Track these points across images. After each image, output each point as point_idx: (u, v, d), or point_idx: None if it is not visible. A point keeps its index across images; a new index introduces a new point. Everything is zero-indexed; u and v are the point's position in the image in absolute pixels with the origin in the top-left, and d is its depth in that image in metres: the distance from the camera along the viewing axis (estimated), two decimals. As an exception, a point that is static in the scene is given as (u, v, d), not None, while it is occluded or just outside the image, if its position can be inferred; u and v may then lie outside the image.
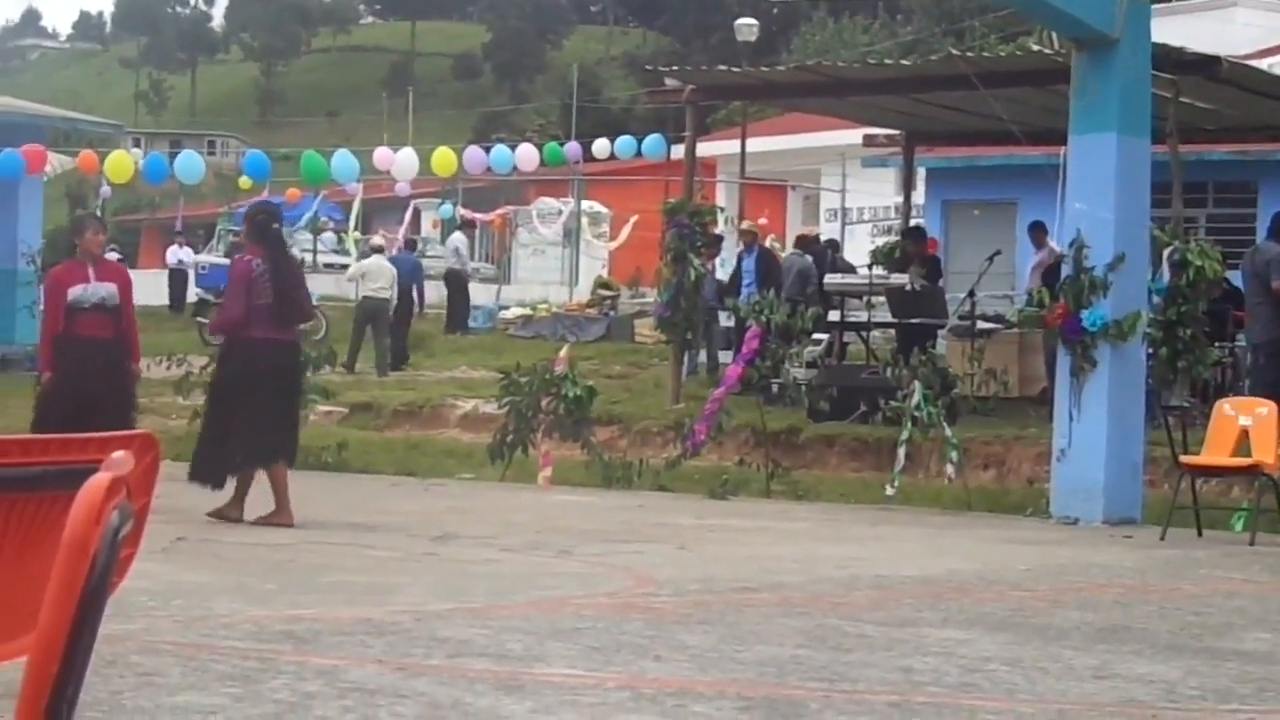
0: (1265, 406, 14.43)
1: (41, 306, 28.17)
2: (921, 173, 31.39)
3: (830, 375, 20.89)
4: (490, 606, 8.82)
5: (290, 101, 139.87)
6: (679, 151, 25.41)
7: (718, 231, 26.72)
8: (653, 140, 29.83)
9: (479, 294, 38.10)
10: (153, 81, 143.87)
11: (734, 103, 38.04)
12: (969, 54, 21.30)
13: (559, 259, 44.97)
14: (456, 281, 34.83)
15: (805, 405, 19.48)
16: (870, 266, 23.42)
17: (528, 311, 34.90)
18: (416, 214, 44.57)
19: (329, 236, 48.86)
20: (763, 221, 29.30)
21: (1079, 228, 15.66)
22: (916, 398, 16.63)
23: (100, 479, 2.43)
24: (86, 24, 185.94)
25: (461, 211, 42.07)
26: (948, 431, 16.71)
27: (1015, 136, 20.18)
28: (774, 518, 15.23)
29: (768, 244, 26.22)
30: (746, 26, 44.45)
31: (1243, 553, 13.28)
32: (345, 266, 36.46)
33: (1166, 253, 17.85)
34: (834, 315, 22.49)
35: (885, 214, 40.65)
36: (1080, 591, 10.48)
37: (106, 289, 13.34)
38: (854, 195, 41.99)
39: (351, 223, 38.52)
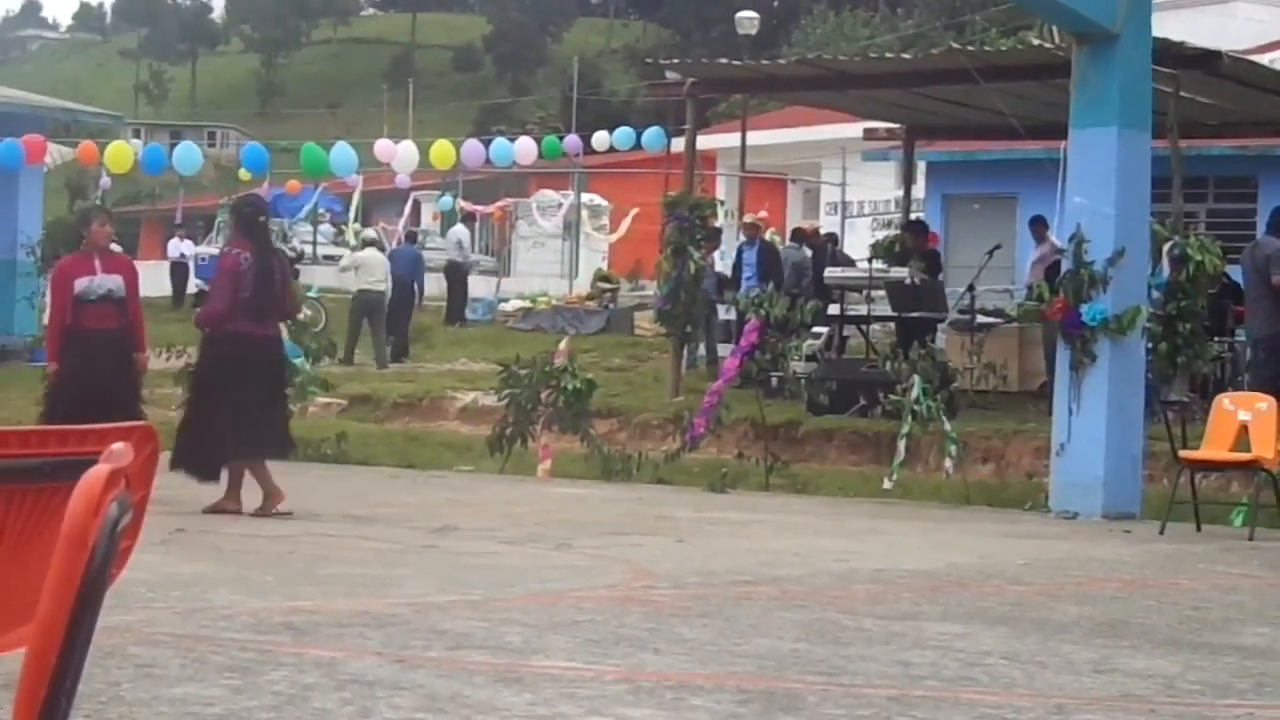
0: (1265, 401, 14.43)
1: (44, 297, 28.28)
2: (922, 166, 31.38)
3: (830, 369, 20.88)
4: (489, 599, 8.82)
5: (291, 93, 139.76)
6: (679, 144, 25.42)
7: (717, 224, 26.71)
8: (653, 133, 29.84)
9: (478, 286, 38.08)
10: (153, 73, 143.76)
11: (734, 96, 38.00)
12: (970, 48, 21.29)
13: (559, 251, 44.94)
14: (456, 274, 34.81)
15: (804, 399, 19.49)
16: (870, 260, 23.41)
17: (527, 304, 34.89)
18: (416, 206, 44.51)
19: (327, 228, 48.83)
20: (763, 214, 29.25)
21: (1079, 222, 15.65)
22: (916, 391, 16.64)
23: (99, 471, 2.43)
24: (87, 15, 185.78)
25: (461, 204, 42.04)
26: (947, 425, 16.72)
27: (1016, 130, 20.17)
28: (773, 511, 15.23)
29: (767, 237, 26.19)
30: (747, 19, 44.50)
31: (1242, 548, 13.28)
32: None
33: (1166, 247, 17.86)
34: (834, 309, 22.48)
35: (885, 208, 40.65)
36: (1079, 586, 10.48)
37: (113, 281, 13.36)
38: (854, 189, 41.98)
39: (351, 215, 38.46)
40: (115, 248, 14.56)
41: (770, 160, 41.64)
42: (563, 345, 19.27)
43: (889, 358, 17.98)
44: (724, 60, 25.58)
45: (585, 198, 44.25)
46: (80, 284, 13.28)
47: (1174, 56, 17.80)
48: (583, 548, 11.60)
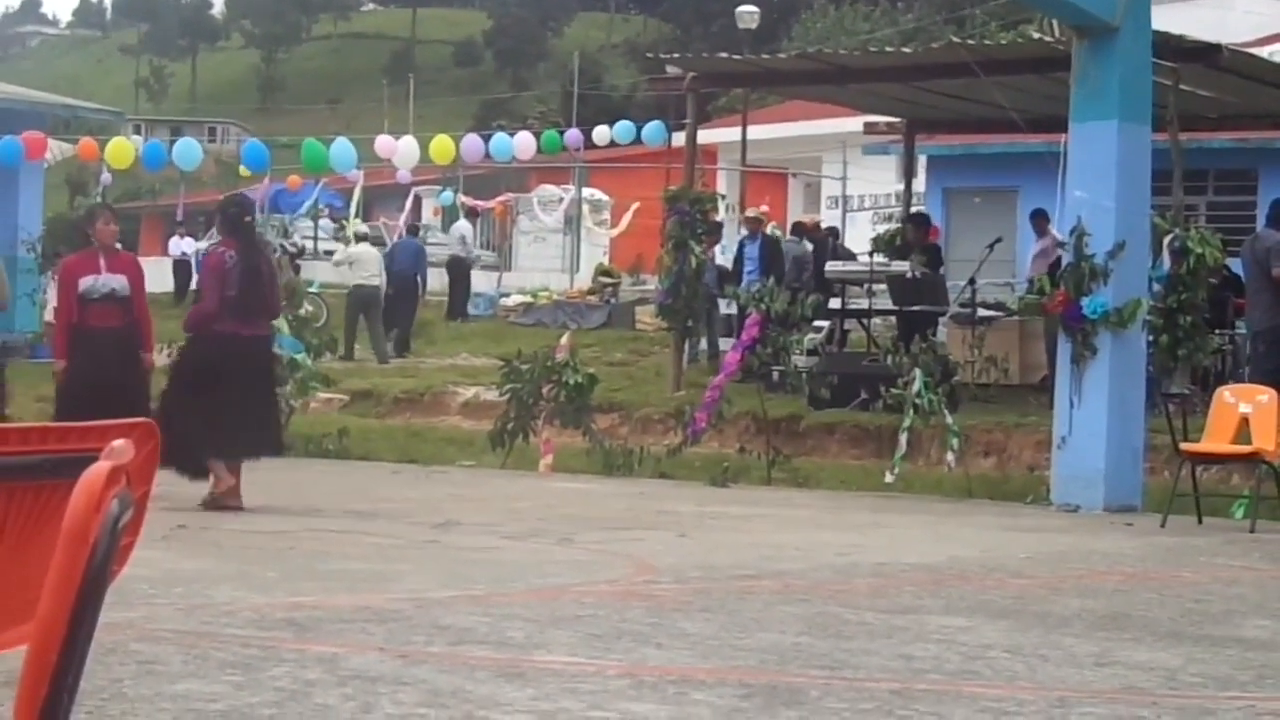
0: (1265, 394, 14.44)
1: (44, 294, 28.27)
2: (922, 160, 31.36)
3: (831, 363, 20.89)
4: (491, 594, 8.82)
5: (291, 89, 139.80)
6: (680, 139, 25.42)
7: (718, 219, 26.71)
8: (654, 127, 29.79)
9: (479, 281, 38.07)
10: (153, 68, 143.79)
11: (735, 90, 38.01)
12: (970, 42, 21.27)
13: (560, 246, 44.91)
14: (459, 269, 34.81)
15: (806, 393, 19.49)
16: (871, 254, 23.41)
17: (529, 299, 34.88)
18: (418, 201, 44.48)
19: (327, 223, 48.80)
20: (764, 209, 29.23)
21: (1080, 215, 15.66)
22: (917, 385, 16.64)
23: (100, 467, 2.43)
24: (87, 11, 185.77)
25: (463, 199, 42.03)
26: (948, 419, 16.72)
27: (1016, 124, 20.18)
28: (775, 505, 15.23)
29: (768, 231, 26.19)
30: (748, 14, 44.42)
31: (1243, 540, 13.28)
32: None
33: (1167, 240, 17.86)
34: (835, 303, 22.48)
35: (886, 201, 40.62)
36: (1081, 579, 10.48)
37: (117, 280, 13.35)
38: (855, 183, 41.96)
39: (352, 210, 38.44)
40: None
41: (771, 154, 41.65)
42: (564, 340, 19.28)
43: (890, 351, 17.98)
44: (724, 55, 25.58)
45: (586, 192, 44.23)
46: (84, 283, 13.29)
47: (1174, 50, 17.80)
48: (584, 542, 11.60)
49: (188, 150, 29.46)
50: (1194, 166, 22.91)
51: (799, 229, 27.11)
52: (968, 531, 13.29)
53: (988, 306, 22.58)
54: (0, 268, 16.23)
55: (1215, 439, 14.28)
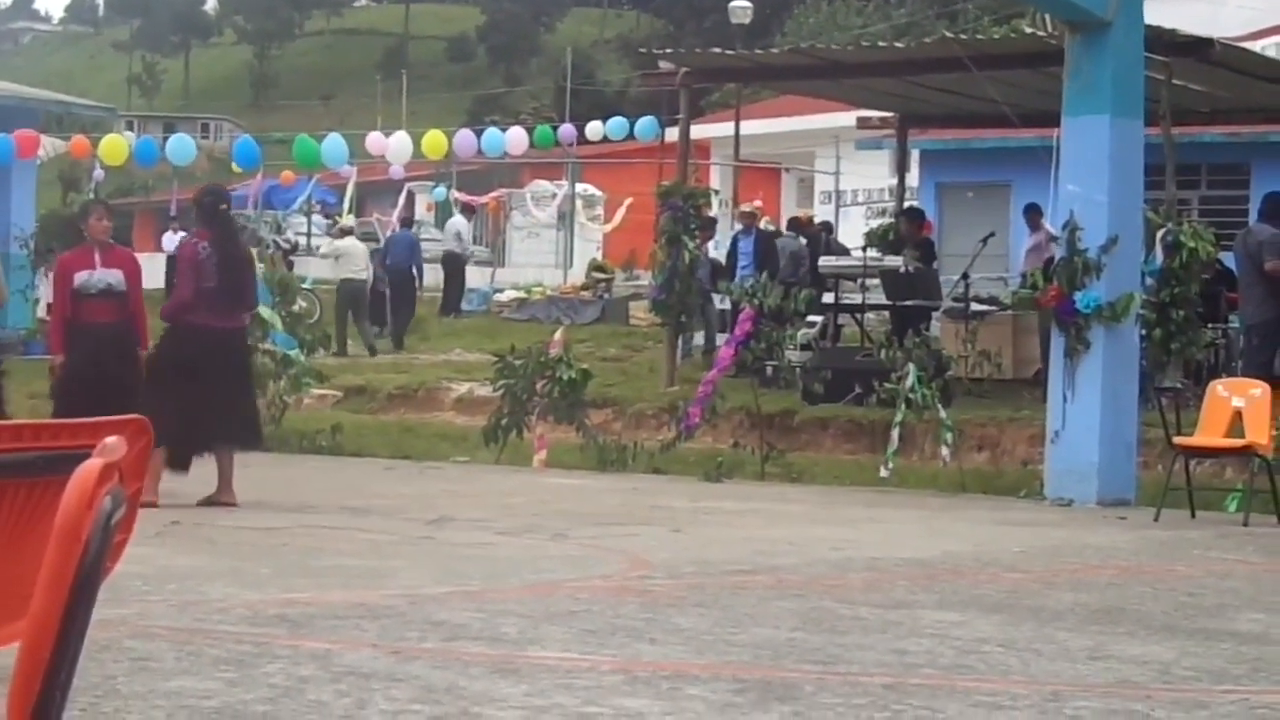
0: (1258, 387, 14.45)
1: (37, 290, 28.25)
2: (915, 155, 31.40)
3: (825, 357, 20.90)
4: (485, 590, 8.82)
5: (284, 85, 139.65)
6: (673, 134, 25.39)
7: (711, 214, 26.70)
8: (646, 122, 29.78)
9: (473, 277, 38.10)
10: (146, 65, 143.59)
11: (728, 85, 37.98)
12: (962, 36, 21.31)
13: (553, 242, 44.96)
14: (454, 264, 34.82)
15: (800, 388, 19.50)
16: (864, 249, 23.42)
17: (522, 294, 34.89)
18: (411, 197, 44.51)
19: (321, 219, 48.78)
20: (758, 203, 29.23)
21: (1072, 210, 15.67)
22: (911, 380, 16.64)
23: (92, 464, 2.43)
24: (79, 7, 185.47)
25: (457, 195, 42.05)
26: (942, 413, 16.73)
27: (1009, 119, 20.17)
28: (768, 500, 15.24)
29: (762, 225, 26.19)
30: (740, 9, 44.47)
31: (1236, 534, 13.29)
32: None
33: (1160, 234, 17.86)
34: (828, 297, 22.49)
35: (879, 196, 40.63)
36: (1074, 573, 10.49)
37: (113, 275, 13.33)
38: (848, 178, 41.98)
39: (345, 205, 38.44)
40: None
41: (764, 149, 41.60)
42: (558, 335, 19.27)
43: (884, 346, 17.98)
44: (717, 50, 25.58)
45: (579, 188, 44.26)
46: (79, 278, 13.28)
47: (1166, 44, 17.80)
48: (578, 538, 11.60)
49: (181, 146, 29.44)
50: (1187, 161, 22.92)
51: (795, 224, 27.12)
52: (961, 526, 13.30)
53: (981, 301, 22.58)
54: None
55: (1208, 433, 14.30)
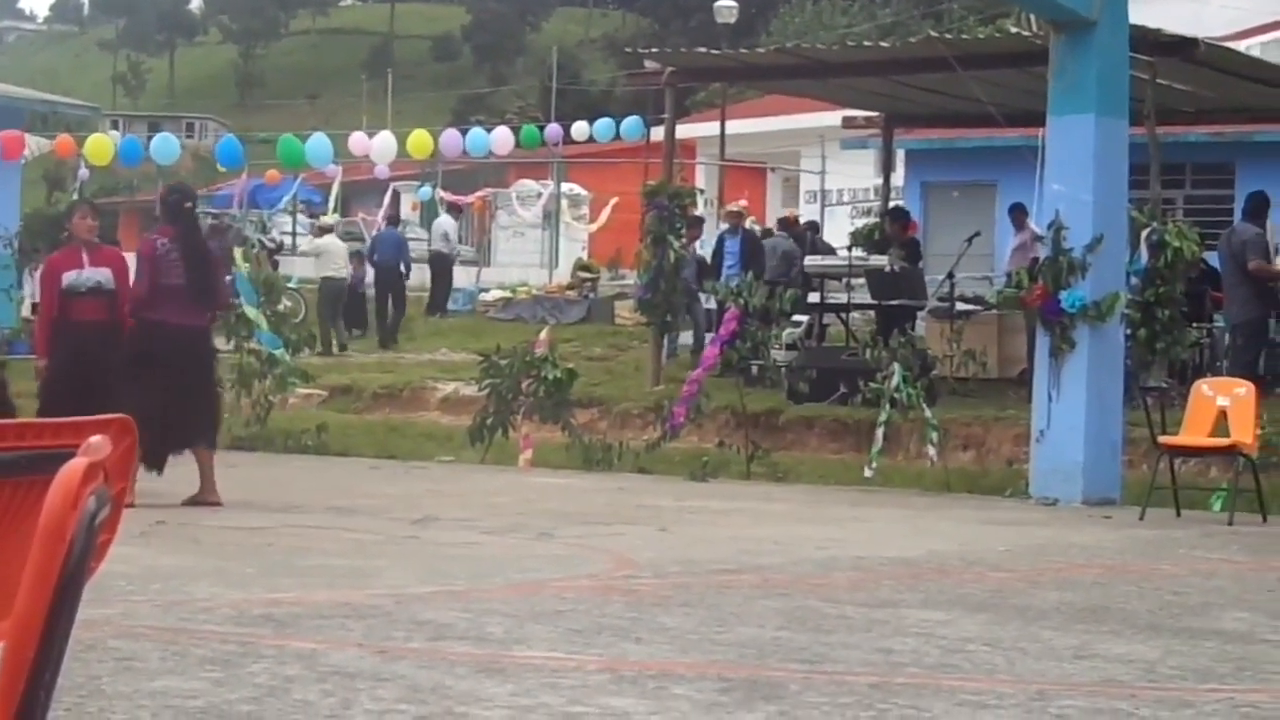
0: (1243, 387, 14.47)
1: (22, 290, 28.19)
2: (900, 154, 31.41)
3: (810, 357, 20.90)
4: (471, 589, 8.82)
5: (269, 84, 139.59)
6: (658, 134, 25.40)
7: (699, 213, 26.71)
8: (632, 122, 29.81)
9: (459, 276, 38.11)
10: (131, 64, 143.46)
11: (713, 85, 38.03)
12: (948, 36, 21.32)
13: (539, 241, 44.93)
14: (442, 264, 34.83)
15: (785, 387, 19.50)
16: (850, 248, 23.43)
17: (507, 294, 34.87)
18: (396, 196, 44.51)
19: (304, 218, 48.77)
20: (743, 203, 29.25)
21: (1058, 209, 15.68)
22: (896, 379, 16.65)
23: (77, 464, 2.42)
24: (64, 6, 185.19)
25: (443, 194, 42.02)
26: (927, 413, 16.74)
27: (994, 118, 20.19)
28: (754, 499, 15.24)
29: (747, 225, 26.19)
30: (726, 8, 44.47)
31: (1221, 533, 13.31)
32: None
33: (1145, 234, 17.88)
34: (814, 297, 22.49)
35: (864, 196, 40.67)
36: (1060, 572, 10.50)
37: (102, 274, 13.30)
38: (833, 177, 42.00)
39: (330, 205, 38.46)
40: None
41: (749, 149, 41.63)
42: (543, 335, 19.26)
43: (869, 345, 17.99)
44: (703, 49, 25.57)
45: (565, 187, 44.22)
46: (68, 277, 13.27)
47: (1151, 44, 17.83)
48: (564, 537, 11.60)
49: (165, 146, 29.44)
50: (1171, 160, 22.96)
51: (786, 225, 27.14)
52: (946, 525, 13.31)
53: (966, 300, 22.60)
54: None
55: (1193, 432, 14.31)
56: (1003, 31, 23.13)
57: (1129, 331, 16.91)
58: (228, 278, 19.91)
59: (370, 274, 31.55)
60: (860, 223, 29.62)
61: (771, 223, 31.76)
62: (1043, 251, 16.49)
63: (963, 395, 19.21)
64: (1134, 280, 17.42)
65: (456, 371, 23.78)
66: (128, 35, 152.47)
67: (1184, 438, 14.35)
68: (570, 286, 35.04)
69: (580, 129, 30.58)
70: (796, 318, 22.24)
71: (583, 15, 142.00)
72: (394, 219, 35.51)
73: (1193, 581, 10.23)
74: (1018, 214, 23.97)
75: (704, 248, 27.91)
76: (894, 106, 24.08)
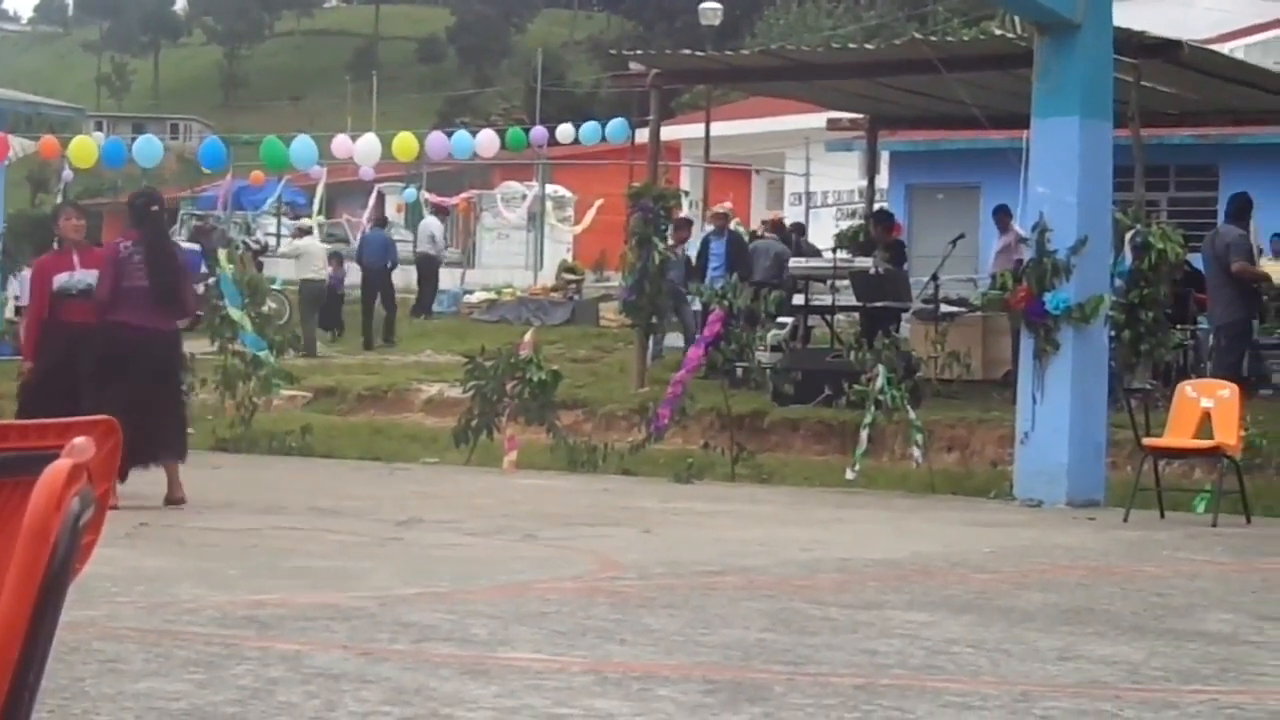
0: (1227, 388, 14.49)
1: (6, 291, 28.13)
2: (885, 156, 31.45)
3: (794, 359, 20.91)
4: (455, 591, 8.82)
5: (254, 85, 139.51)
6: (643, 135, 25.42)
7: (687, 215, 26.73)
8: (617, 124, 29.82)
9: (443, 278, 38.10)
10: (115, 65, 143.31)
11: (698, 86, 37.99)
12: (932, 38, 21.32)
13: (523, 243, 44.90)
14: (429, 266, 34.83)
15: (769, 389, 19.50)
16: (834, 250, 23.44)
17: (492, 295, 34.86)
18: (381, 198, 44.48)
19: (287, 220, 48.73)
20: (728, 205, 29.28)
21: (1042, 211, 15.69)
22: (880, 381, 16.66)
23: (61, 465, 2.42)
24: (48, 7, 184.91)
25: (428, 196, 42.00)
26: (911, 415, 16.75)
27: (978, 120, 20.20)
28: (739, 501, 15.25)
29: (732, 227, 26.20)
30: (710, 10, 44.47)
31: (1205, 534, 13.33)
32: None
33: (1129, 236, 17.91)
34: (798, 299, 22.50)
35: (849, 198, 40.69)
36: (1044, 573, 10.51)
37: (92, 276, 13.27)
38: (818, 179, 42.02)
39: (315, 206, 38.39)
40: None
41: (734, 151, 41.65)
42: (528, 337, 19.26)
43: (854, 347, 18.01)
44: (687, 51, 25.58)
45: (550, 189, 44.22)
46: (59, 279, 13.28)
47: (1135, 46, 17.86)
48: (548, 539, 11.60)
49: (148, 147, 29.39)
50: (1155, 162, 23.00)
51: (779, 227, 27.17)
52: (931, 527, 13.32)
53: (951, 302, 22.62)
54: None
55: (1177, 433, 14.33)
56: (987, 34, 23.17)
57: (1113, 333, 16.94)
58: (211, 279, 20.00)
59: (350, 275, 31.53)
60: (845, 225, 29.65)
61: (756, 225, 31.75)
62: (1027, 253, 16.50)
63: (947, 397, 19.23)
64: (1118, 282, 17.45)
65: (441, 373, 23.77)
66: (112, 36, 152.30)
67: (1168, 439, 14.37)
68: (555, 288, 35.03)
69: (565, 131, 30.58)
70: (781, 319, 22.25)
71: (567, 17, 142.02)
72: (382, 221, 35.50)
73: (1177, 583, 10.24)
74: (1002, 216, 23.99)
75: (691, 249, 27.93)
76: (878, 109, 24.10)
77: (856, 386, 16.93)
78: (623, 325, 25.61)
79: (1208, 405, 14.26)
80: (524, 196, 44.19)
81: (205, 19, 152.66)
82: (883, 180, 30.63)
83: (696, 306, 23.52)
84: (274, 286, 25.58)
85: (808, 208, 40.95)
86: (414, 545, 11.20)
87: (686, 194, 30.06)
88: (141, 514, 11.92)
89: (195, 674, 6.24)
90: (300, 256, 29.58)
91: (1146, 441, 14.37)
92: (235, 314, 18.74)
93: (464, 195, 46.30)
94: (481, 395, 18.32)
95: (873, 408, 16.71)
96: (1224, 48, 26.16)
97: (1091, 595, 9.42)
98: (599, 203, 40.97)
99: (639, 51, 27.78)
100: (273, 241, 42.64)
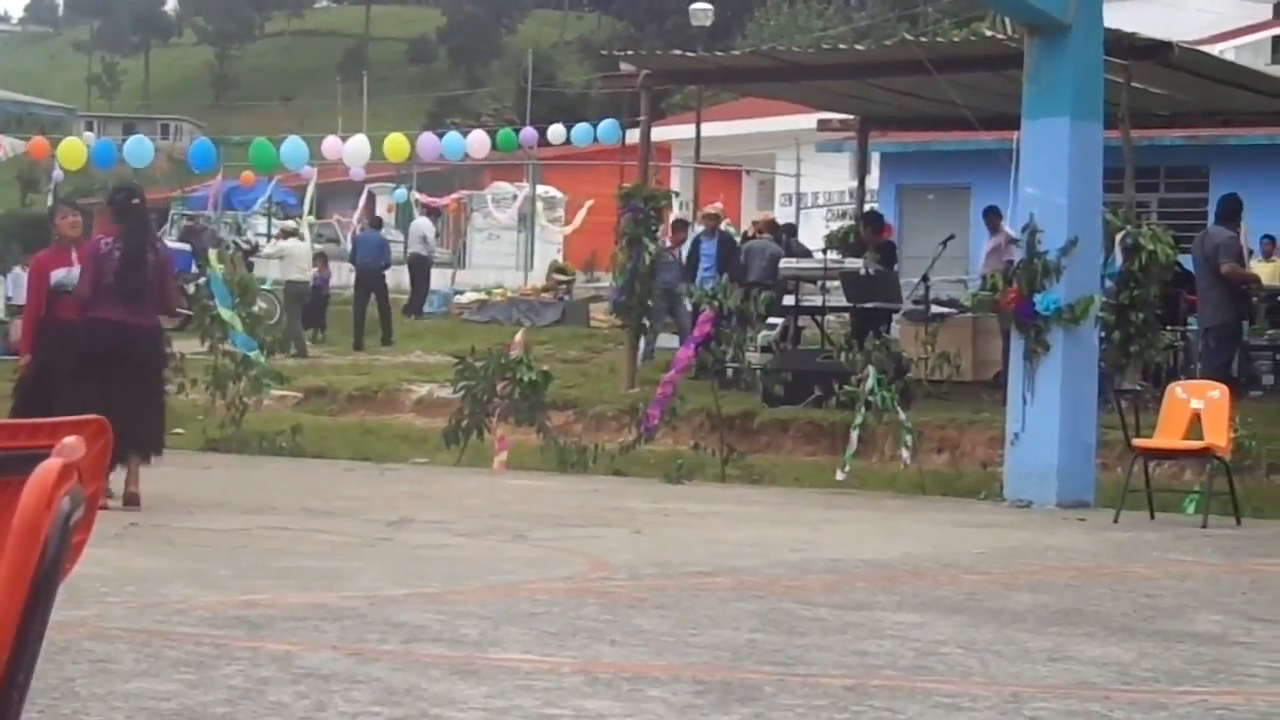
0: (1216, 389, 14.50)
1: (2, 294, 28.12)
2: (876, 157, 31.46)
3: (785, 359, 20.91)
4: (445, 591, 8.81)
5: (244, 85, 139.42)
6: (634, 136, 25.43)
7: (683, 217, 26.74)
8: (607, 125, 29.87)
9: (434, 278, 38.09)
10: (106, 65, 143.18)
11: (689, 87, 38.04)
12: (923, 39, 21.33)
13: (514, 243, 44.87)
14: (420, 267, 34.82)
15: (760, 389, 19.51)
16: (825, 251, 23.45)
17: (483, 296, 34.85)
18: (371, 198, 44.44)
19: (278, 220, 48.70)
20: (719, 206, 29.30)
21: (1032, 212, 15.70)
22: (870, 382, 16.67)
23: (51, 464, 2.41)
24: (38, 7, 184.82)
25: (418, 197, 41.96)
26: (901, 416, 16.75)
27: (969, 121, 20.23)
28: (729, 502, 15.25)
29: (723, 227, 26.22)
30: (701, 11, 44.40)
31: (1194, 535, 13.34)
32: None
33: (1119, 237, 17.93)
34: (789, 299, 22.50)
35: (840, 198, 40.72)
36: (1034, 574, 10.51)
37: None
38: (808, 180, 42.03)
39: (305, 207, 38.39)
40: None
41: (725, 151, 41.70)
42: (518, 337, 19.25)
43: (844, 348, 18.01)
44: (678, 52, 25.61)
45: (540, 189, 44.22)
46: (57, 275, 13.30)
47: (1125, 47, 17.88)
48: (539, 540, 11.59)
49: (139, 148, 29.40)
50: (1146, 163, 23.05)
51: (774, 228, 27.20)
52: (921, 527, 13.33)
53: (941, 303, 22.64)
54: None
55: (1167, 434, 14.34)
56: (978, 35, 23.19)
57: (1103, 334, 16.95)
58: (201, 280, 19.97)
59: (333, 277, 31.50)
60: (836, 226, 29.67)
61: (746, 226, 31.77)
62: (1017, 254, 16.51)
63: (937, 398, 19.24)
64: (1108, 283, 17.47)
65: (431, 374, 23.75)
66: (102, 36, 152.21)
67: (1158, 440, 14.38)
68: (545, 289, 35.03)
69: (556, 132, 30.61)
70: (772, 320, 22.25)
71: (558, 18, 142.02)
72: (377, 222, 35.50)
73: (1166, 584, 10.25)
74: (992, 217, 24.00)
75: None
76: (869, 109, 24.11)
77: (847, 387, 16.93)
78: (613, 326, 25.61)
79: (1198, 406, 14.27)
80: (514, 197, 44.17)
81: (196, 19, 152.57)
82: (873, 181, 30.64)
83: (689, 307, 23.55)
84: (264, 287, 25.56)
85: (798, 208, 40.96)
86: (404, 546, 11.20)
87: (677, 195, 30.10)
88: (131, 514, 11.91)
89: (185, 674, 6.24)
90: (284, 258, 29.57)
91: (1136, 442, 14.38)
92: (226, 314, 18.73)
93: (454, 196, 46.30)
94: (472, 396, 18.31)
95: (863, 409, 16.72)
96: (1214, 49, 26.22)
97: (1081, 596, 9.43)
98: (589, 203, 40.98)
99: (630, 52, 27.79)
100: (263, 242, 42.64)
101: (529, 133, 31.71)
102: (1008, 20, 19.79)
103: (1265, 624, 8.54)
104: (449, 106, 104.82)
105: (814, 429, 19.34)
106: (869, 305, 21.35)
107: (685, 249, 24.82)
